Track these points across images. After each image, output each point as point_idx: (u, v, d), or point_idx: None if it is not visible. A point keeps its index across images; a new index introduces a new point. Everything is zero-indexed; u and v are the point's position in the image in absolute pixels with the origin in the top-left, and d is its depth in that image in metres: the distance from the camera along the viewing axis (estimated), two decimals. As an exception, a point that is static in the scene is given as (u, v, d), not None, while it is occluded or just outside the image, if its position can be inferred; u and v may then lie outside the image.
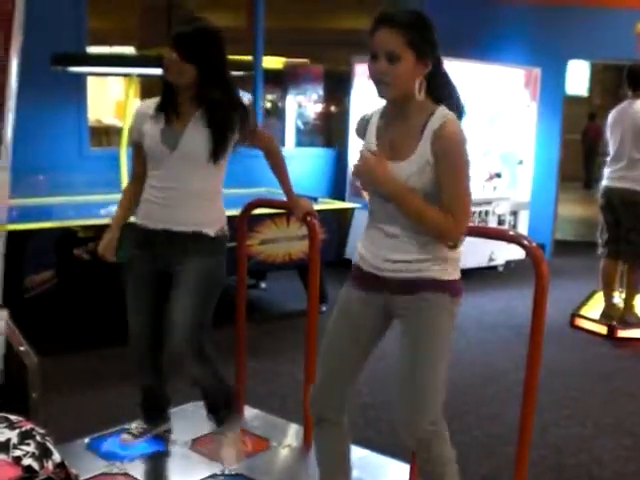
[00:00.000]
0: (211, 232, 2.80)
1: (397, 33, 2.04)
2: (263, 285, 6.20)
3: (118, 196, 5.28)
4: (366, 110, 2.37)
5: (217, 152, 2.72)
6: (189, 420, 3.35)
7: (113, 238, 2.91)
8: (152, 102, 2.83)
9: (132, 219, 2.95)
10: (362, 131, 2.32)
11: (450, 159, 2.10)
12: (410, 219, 2.15)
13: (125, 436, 3.13)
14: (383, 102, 2.25)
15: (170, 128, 2.74)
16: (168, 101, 2.77)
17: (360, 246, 2.33)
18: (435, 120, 2.11)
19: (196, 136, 2.72)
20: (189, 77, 2.66)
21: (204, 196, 2.80)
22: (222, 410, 3.06)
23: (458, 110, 2.20)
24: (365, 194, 2.37)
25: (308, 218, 3.03)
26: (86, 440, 3.14)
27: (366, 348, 2.37)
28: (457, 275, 2.26)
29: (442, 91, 2.19)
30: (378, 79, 2.11)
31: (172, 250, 2.79)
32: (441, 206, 2.12)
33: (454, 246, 2.20)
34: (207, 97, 2.70)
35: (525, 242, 2.51)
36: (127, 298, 2.93)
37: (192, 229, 2.78)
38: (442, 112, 2.13)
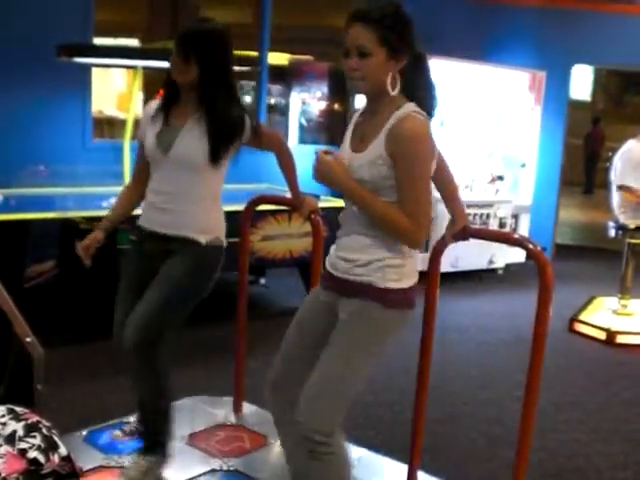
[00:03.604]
0: (202, 239, 2.67)
1: (368, 29, 2.03)
2: (262, 281, 6.19)
3: (120, 188, 5.34)
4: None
5: (217, 155, 2.61)
6: (186, 415, 3.33)
7: (95, 240, 2.76)
8: (157, 103, 2.76)
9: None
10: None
11: (405, 158, 2.06)
12: (371, 219, 2.13)
13: (117, 432, 3.10)
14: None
15: (167, 130, 2.65)
16: (169, 101, 2.69)
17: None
18: (394, 117, 2.08)
19: (191, 139, 2.61)
20: (191, 77, 2.58)
21: (199, 202, 2.68)
22: (153, 438, 2.85)
23: (429, 108, 2.15)
24: None
25: (312, 216, 3.03)
26: (84, 433, 3.13)
27: (312, 347, 2.28)
28: (405, 284, 2.18)
29: (418, 88, 2.16)
30: (350, 75, 2.10)
31: (161, 251, 2.70)
32: (400, 208, 2.09)
33: (414, 248, 2.16)
34: (209, 98, 2.60)
35: (530, 245, 2.50)
36: (118, 291, 2.85)
37: (183, 234, 2.66)
38: (406, 108, 2.09)
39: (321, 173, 2.15)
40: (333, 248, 2.31)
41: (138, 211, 2.85)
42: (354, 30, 2.06)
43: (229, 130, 2.64)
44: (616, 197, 5.80)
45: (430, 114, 2.15)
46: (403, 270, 2.17)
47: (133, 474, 2.79)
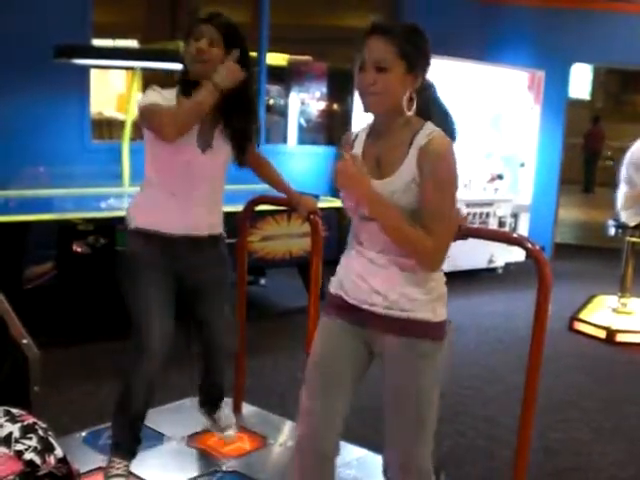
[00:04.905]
0: (224, 232, 2.86)
1: (389, 42, 1.96)
2: (262, 282, 6.19)
3: (119, 189, 5.35)
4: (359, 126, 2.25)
5: (243, 152, 2.76)
6: (185, 416, 3.34)
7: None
8: (168, 93, 2.63)
9: (138, 225, 2.69)
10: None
11: (435, 175, 1.96)
12: (388, 235, 2.00)
13: None
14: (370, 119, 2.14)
15: (201, 132, 2.62)
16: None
17: (340, 272, 2.19)
18: (422, 135, 2.00)
19: (224, 138, 2.68)
20: (211, 64, 2.54)
21: (220, 198, 2.81)
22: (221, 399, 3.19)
23: (451, 135, 2.08)
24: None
25: (311, 216, 3.02)
26: (83, 434, 3.12)
27: (354, 382, 2.19)
28: (445, 313, 2.10)
29: (433, 115, 2.09)
30: (365, 90, 2.00)
31: (195, 256, 2.72)
32: (422, 226, 1.97)
33: (432, 270, 2.04)
34: (240, 95, 2.63)
35: (529, 245, 2.50)
36: (143, 306, 2.65)
37: (212, 232, 2.77)
38: (429, 127, 2.02)
39: (342, 177, 2.01)
40: (349, 276, 2.13)
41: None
42: (373, 42, 1.98)
43: (253, 127, 2.77)
44: (621, 195, 5.72)
45: (452, 139, 2.08)
46: (445, 298, 2.11)
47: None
